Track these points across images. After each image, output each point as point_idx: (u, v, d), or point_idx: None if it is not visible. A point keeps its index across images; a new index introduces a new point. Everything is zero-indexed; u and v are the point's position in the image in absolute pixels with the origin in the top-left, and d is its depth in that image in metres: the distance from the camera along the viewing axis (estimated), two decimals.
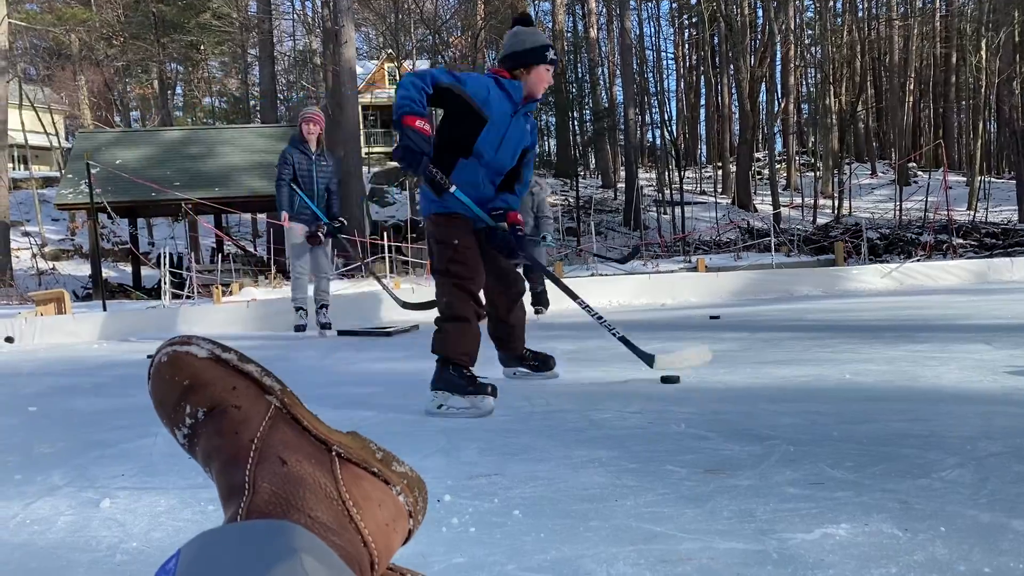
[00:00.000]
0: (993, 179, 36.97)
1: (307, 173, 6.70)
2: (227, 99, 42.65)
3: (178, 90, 42.39)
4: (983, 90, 30.28)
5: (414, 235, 19.52)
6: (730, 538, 1.42)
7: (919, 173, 34.00)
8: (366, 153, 35.55)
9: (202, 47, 36.72)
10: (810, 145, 38.68)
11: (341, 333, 6.95)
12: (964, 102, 36.29)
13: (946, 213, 19.09)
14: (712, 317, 6.68)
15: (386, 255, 14.08)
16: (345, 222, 6.92)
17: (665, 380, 3.29)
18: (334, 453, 0.76)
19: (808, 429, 2.29)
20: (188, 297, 12.95)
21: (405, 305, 7.14)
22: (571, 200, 30.95)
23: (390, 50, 33.99)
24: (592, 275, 12.49)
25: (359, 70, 28.51)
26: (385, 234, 15.51)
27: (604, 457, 2.07)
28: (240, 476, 0.73)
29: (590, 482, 1.84)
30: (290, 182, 6.64)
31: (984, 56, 29.72)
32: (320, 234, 6.72)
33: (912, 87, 35.65)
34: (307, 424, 0.78)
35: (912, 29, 34.44)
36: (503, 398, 3.02)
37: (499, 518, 1.61)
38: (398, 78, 33.30)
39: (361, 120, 29.05)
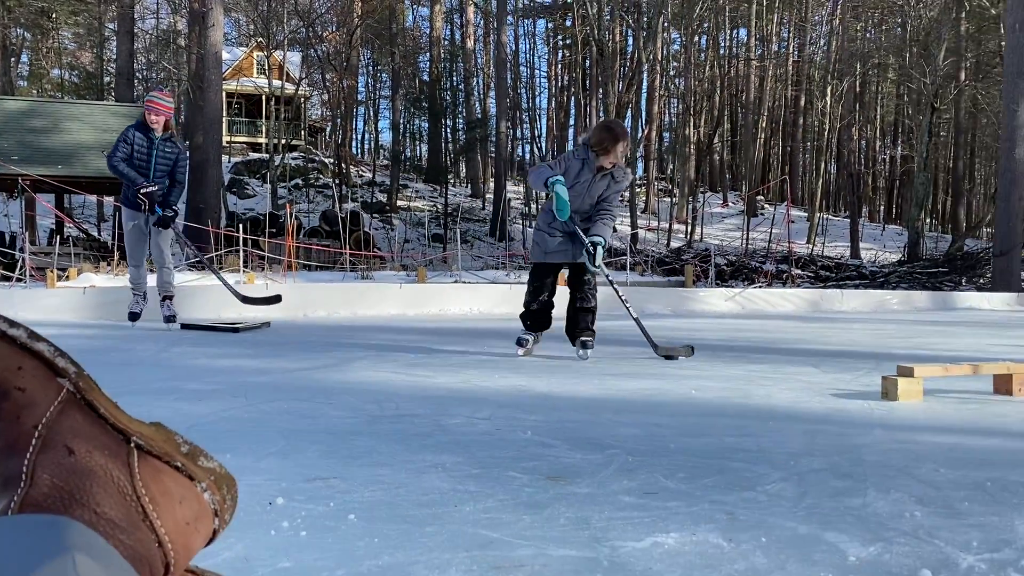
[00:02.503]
0: (831, 216, 39.89)
1: (145, 157, 6.17)
2: (79, 73, 39.94)
3: (24, 58, 39.34)
4: (826, 133, 32.64)
5: (272, 229, 18.91)
6: (564, 545, 1.43)
7: (766, 206, 36.21)
8: (228, 141, 34.18)
9: (54, 15, 34.24)
10: (669, 172, 40.38)
11: (185, 327, 6.61)
12: (809, 143, 38.96)
13: (787, 245, 20.37)
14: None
15: (241, 248, 13.55)
16: (177, 211, 6.43)
17: (667, 357, 4.49)
18: (133, 445, 0.69)
19: (648, 440, 2.36)
20: (19, 280, 11.97)
21: (245, 300, 6.84)
22: (439, 207, 30.92)
23: (260, 38, 32.89)
24: (456, 282, 12.50)
25: (226, 55, 27.41)
26: (241, 227, 14.93)
27: (448, 462, 2.04)
28: (17, 465, 0.65)
29: (431, 487, 1.81)
30: (123, 161, 6.09)
31: (829, 102, 32.05)
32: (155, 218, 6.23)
33: (764, 125, 37.94)
34: (104, 412, 0.71)
35: (767, 71, 36.69)
36: (351, 400, 2.95)
37: (333, 522, 1.55)
38: (267, 67, 32.30)
39: (225, 107, 27.91)
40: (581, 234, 4.37)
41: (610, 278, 4.91)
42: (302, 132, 37.69)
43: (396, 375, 3.81)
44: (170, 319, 6.57)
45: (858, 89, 38.67)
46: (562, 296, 4.68)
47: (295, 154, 35.04)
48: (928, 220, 35.42)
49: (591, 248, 4.32)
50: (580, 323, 4.53)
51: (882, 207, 44.92)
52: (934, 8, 30.32)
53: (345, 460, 2.08)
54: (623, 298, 4.77)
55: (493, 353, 4.84)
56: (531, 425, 2.54)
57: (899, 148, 41.40)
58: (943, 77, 27.98)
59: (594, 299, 4.57)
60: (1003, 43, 21.59)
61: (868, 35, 41.58)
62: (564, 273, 4.69)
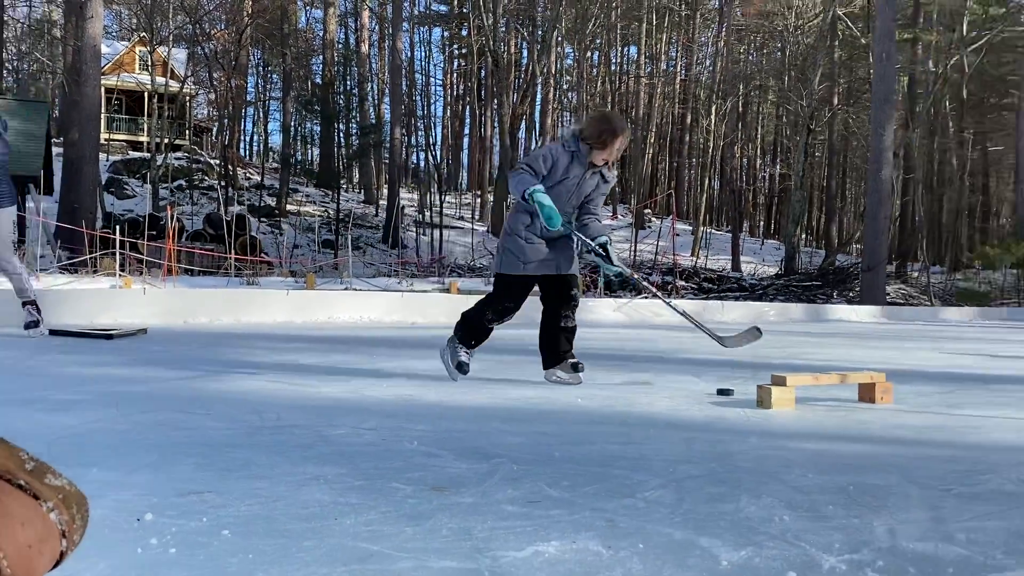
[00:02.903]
0: (714, 230, 41.44)
1: None
2: None
3: None
4: (711, 150, 33.93)
5: (153, 232, 18.10)
6: (446, 556, 1.42)
7: (653, 219, 37.26)
8: (106, 139, 32.54)
9: None
10: None
11: (54, 333, 6.23)
12: (695, 159, 40.41)
13: (673, 257, 21.03)
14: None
15: (118, 251, 12.90)
16: None
17: (721, 392, 3.63)
18: None
19: (533, 449, 2.38)
20: None
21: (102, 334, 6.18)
22: (331, 212, 30.37)
23: (143, 33, 31.52)
24: (346, 289, 12.29)
25: (105, 49, 26.09)
26: (119, 228, 14.22)
27: (330, 474, 2.00)
28: None
29: (311, 500, 1.76)
30: None
31: (713, 120, 33.34)
32: None
33: (652, 140, 39.10)
34: None
35: (656, 88, 37.86)
36: (229, 411, 2.85)
37: (205, 538, 1.49)
38: (150, 63, 30.95)
39: (104, 103, 26.58)
40: (583, 235, 3.72)
41: (636, 277, 4.28)
42: (187, 131, 36.32)
43: (279, 384, 3.70)
44: (30, 325, 6.13)
45: (741, 109, 40.40)
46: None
47: (179, 154, 33.71)
48: (803, 236, 37.33)
49: (600, 249, 3.69)
50: (565, 345, 3.91)
51: (762, 222, 47.04)
52: (811, 35, 32.04)
53: (221, 473, 2.00)
54: (667, 300, 4.31)
55: (382, 362, 4.78)
56: (418, 435, 2.52)
57: (778, 167, 43.50)
58: (818, 101, 29.58)
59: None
60: (871, 71, 23.02)
61: (750, 58, 43.55)
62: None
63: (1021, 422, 3.13)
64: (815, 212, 43.52)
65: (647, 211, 37.70)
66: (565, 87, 38.39)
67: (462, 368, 3.84)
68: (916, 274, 29.21)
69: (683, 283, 23.18)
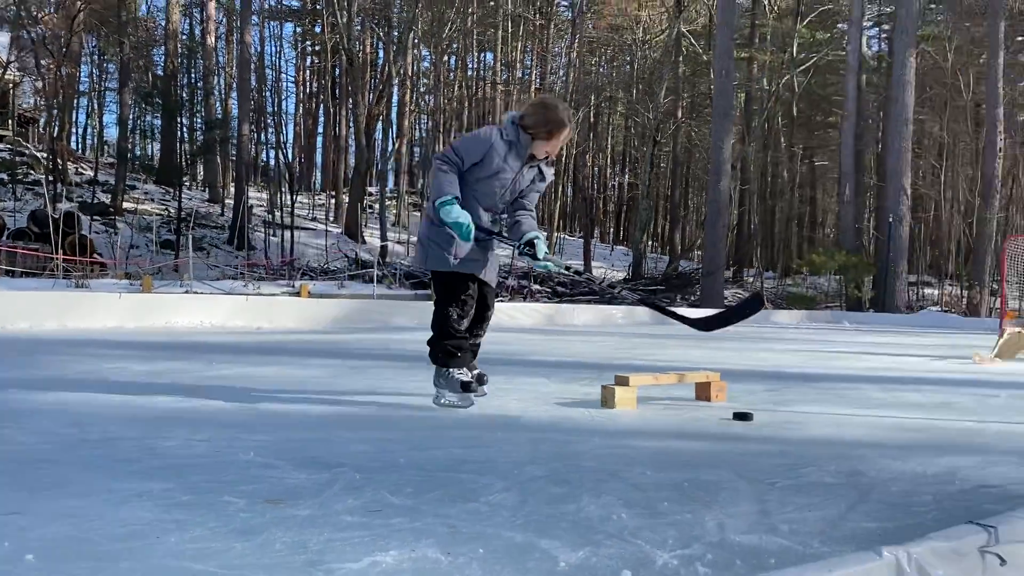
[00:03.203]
0: (567, 236, 42.46)
1: None
2: None
3: None
4: (564, 159, 34.73)
5: None
6: (277, 572, 1.35)
7: None
8: None
9: None
10: (420, 186, 40.87)
11: None
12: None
13: (529, 262, 21.33)
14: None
15: None
16: None
17: (737, 417, 3.12)
18: None
19: (378, 456, 2.32)
20: None
21: None
22: (172, 211, 28.83)
23: None
24: (187, 292, 11.68)
25: None
26: None
27: (156, 490, 1.87)
28: None
29: (132, 518, 1.64)
30: None
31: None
32: None
33: None
34: None
35: (512, 95, 38.38)
36: (46, 424, 2.62)
37: (6, 565, 1.35)
38: None
39: None
40: (507, 238, 3.40)
41: (574, 269, 3.88)
42: (10, 122, 33.47)
43: (104, 395, 3.45)
44: None
45: (592, 119, 41.63)
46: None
47: (0, 146, 31.04)
48: (650, 242, 38.88)
49: (527, 247, 3.31)
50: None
51: (612, 229, 48.65)
52: (657, 50, 33.46)
53: (31, 492, 1.83)
54: (620, 293, 3.87)
55: (222, 369, 4.56)
56: (255, 445, 2.40)
57: (626, 176, 45.14)
58: (663, 114, 30.91)
59: None
60: (712, 86, 24.32)
61: (601, 70, 44.97)
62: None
63: (839, 417, 3.36)
64: (660, 220, 45.44)
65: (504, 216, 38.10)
66: (422, 89, 38.23)
67: (469, 388, 3.25)
68: (751, 279, 31.08)
69: (538, 287, 23.60)
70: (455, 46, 37.39)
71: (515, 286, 22.07)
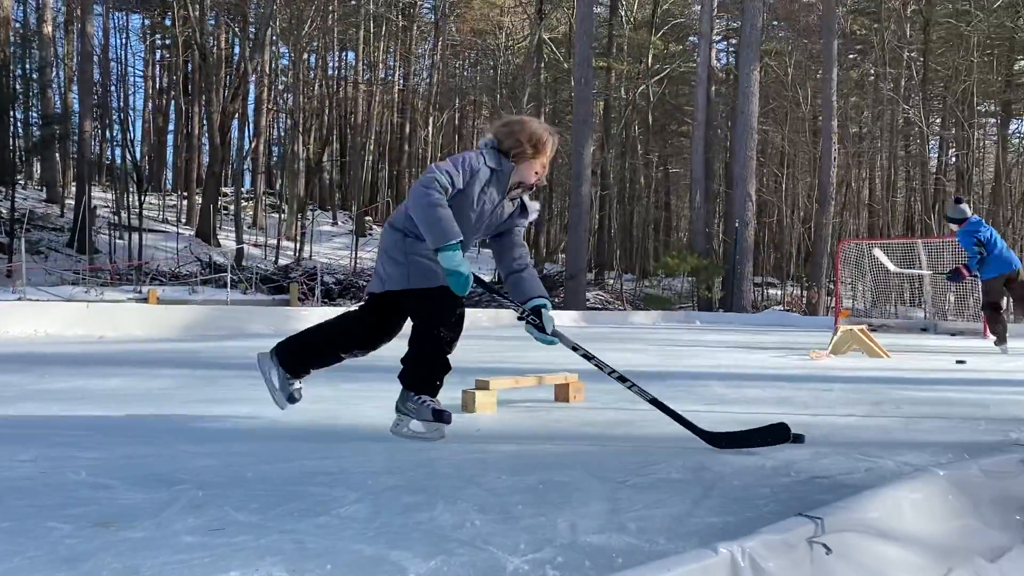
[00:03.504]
0: None
1: None
2: None
3: None
4: (429, 161, 34.66)
5: None
6: None
7: (374, 226, 37.27)
8: None
9: None
10: (278, 187, 39.69)
11: None
12: (414, 168, 41.03)
13: None
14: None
15: None
16: None
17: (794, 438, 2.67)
18: None
19: (224, 471, 2.22)
20: None
21: None
22: (4, 211, 26.66)
23: None
24: (20, 299, 10.84)
25: None
26: None
27: None
28: None
29: None
30: None
31: (431, 132, 34.13)
32: None
33: (372, 147, 39.13)
34: None
35: (374, 96, 37.93)
36: None
37: None
38: None
39: None
40: (509, 300, 3.02)
41: (582, 350, 2.98)
42: None
43: None
44: None
45: (457, 122, 41.78)
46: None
47: None
48: None
49: (535, 315, 2.91)
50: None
51: None
52: (520, 56, 33.97)
53: None
54: (632, 388, 2.93)
55: (56, 381, 4.25)
56: (88, 464, 2.24)
57: None
58: None
59: None
60: (572, 94, 24.90)
61: (465, 73, 45.19)
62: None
63: (689, 413, 3.50)
64: None
65: (368, 218, 37.63)
66: (281, 87, 37.12)
67: (442, 417, 2.79)
68: (612, 281, 32.04)
69: None
70: (315, 44, 36.53)
71: None
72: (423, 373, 2.83)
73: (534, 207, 3.03)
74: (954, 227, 8.63)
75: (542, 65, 31.81)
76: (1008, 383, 5.10)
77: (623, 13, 33.02)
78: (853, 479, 2.20)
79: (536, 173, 2.93)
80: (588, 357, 2.89)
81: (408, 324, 2.97)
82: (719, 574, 1.22)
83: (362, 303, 3.11)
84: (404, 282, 2.81)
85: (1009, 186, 28.36)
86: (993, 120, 31.76)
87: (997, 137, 30.24)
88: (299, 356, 3.01)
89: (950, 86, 27.85)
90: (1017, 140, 31.84)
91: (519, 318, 2.96)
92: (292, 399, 2.96)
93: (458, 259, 2.65)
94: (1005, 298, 8.71)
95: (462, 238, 2.69)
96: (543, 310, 2.91)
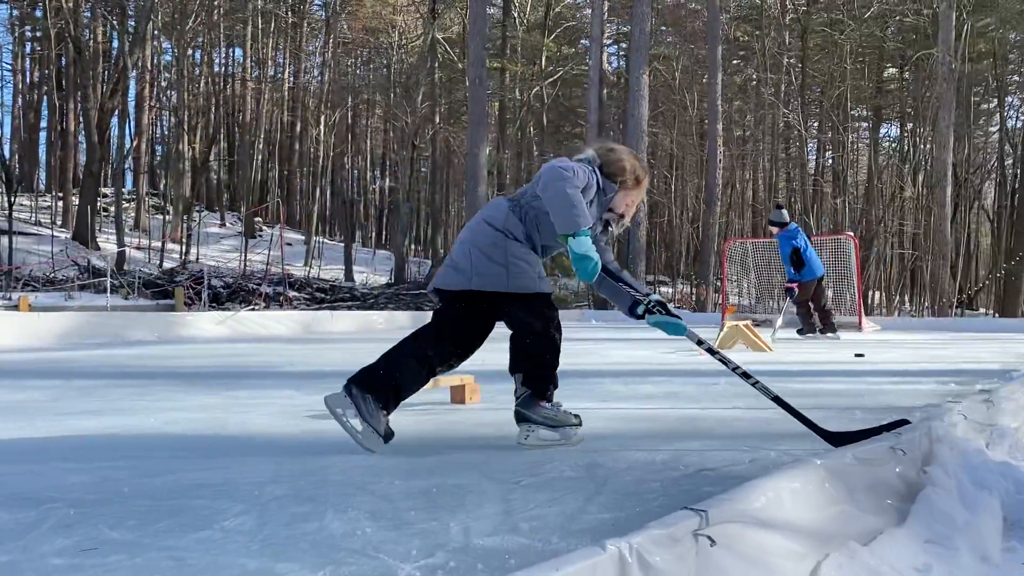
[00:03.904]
0: (327, 240, 41.58)
1: None
2: None
3: None
4: (321, 160, 34.00)
5: None
6: None
7: (264, 227, 36.27)
8: None
9: None
10: (162, 188, 38.09)
11: None
12: (305, 168, 40.16)
13: (283, 268, 20.65)
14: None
15: None
16: None
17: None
18: None
19: (99, 487, 2.10)
20: None
21: None
22: None
23: None
24: None
25: None
26: None
27: None
28: None
29: None
30: None
31: (323, 131, 33.47)
32: None
33: (261, 146, 38.07)
34: None
35: (263, 93, 36.93)
36: None
37: None
38: None
39: None
40: (625, 282, 2.91)
41: (705, 344, 2.92)
42: None
43: None
44: None
45: (350, 121, 41.11)
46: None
47: None
48: (412, 246, 39.09)
49: (660, 306, 2.85)
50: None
51: (373, 233, 48.31)
52: (414, 55, 33.72)
53: None
54: (756, 385, 2.75)
55: None
56: None
57: (387, 179, 45.02)
58: (422, 118, 31.20)
59: None
60: (467, 94, 24.91)
61: (358, 72, 44.54)
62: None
63: (583, 411, 3.53)
64: (422, 224, 45.86)
65: (257, 219, 36.58)
66: (164, 84, 35.61)
67: (566, 421, 2.76)
68: None
69: (295, 293, 22.85)
70: (200, 39, 35.25)
71: (269, 293, 21.26)
72: (546, 375, 2.76)
73: (614, 228, 3.02)
74: (775, 230, 10.09)
75: (436, 65, 31.67)
76: (882, 373, 5.40)
77: (516, 14, 33.26)
78: (738, 470, 2.27)
79: (626, 205, 2.94)
80: (712, 352, 2.84)
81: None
82: (607, 571, 1.23)
83: (436, 307, 2.94)
84: (503, 284, 2.70)
85: (880, 186, 30.07)
86: (865, 124, 33.67)
87: (869, 140, 32.06)
88: (386, 381, 2.65)
89: (826, 91, 29.29)
90: (887, 143, 33.86)
91: (636, 310, 2.87)
92: (389, 435, 2.61)
93: (589, 244, 2.58)
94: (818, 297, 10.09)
95: (592, 223, 2.66)
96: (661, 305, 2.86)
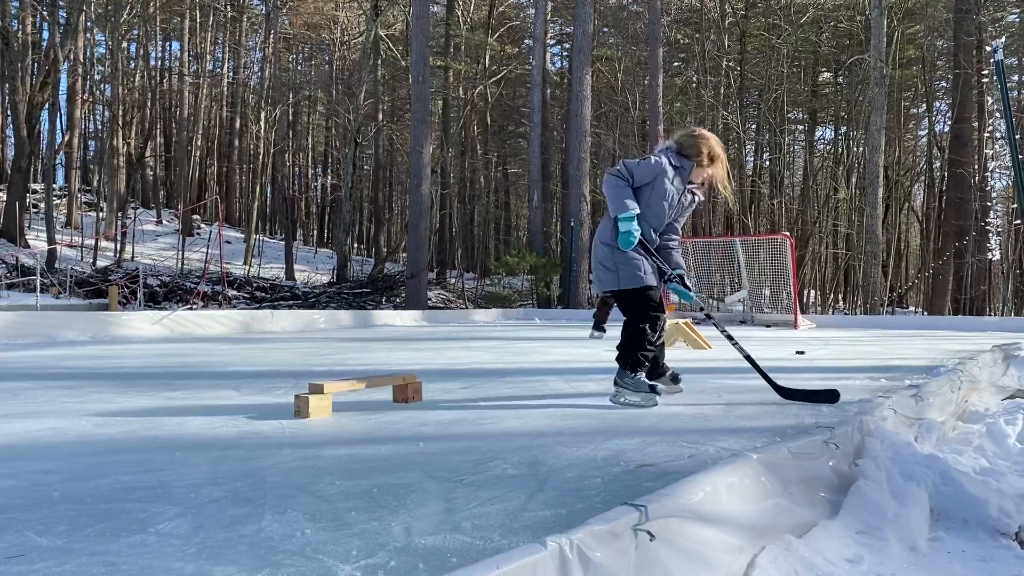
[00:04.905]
0: (267, 238, 40.90)
1: None
2: None
3: None
4: (261, 157, 33.40)
5: None
6: None
7: (203, 225, 35.51)
8: None
9: None
10: (95, 184, 36.98)
11: None
12: (245, 165, 39.42)
13: (222, 266, 20.24)
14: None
15: None
16: None
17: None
18: None
19: (26, 492, 2.03)
20: None
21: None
22: None
23: None
24: None
25: None
26: None
27: None
28: None
29: None
30: None
31: (263, 127, 32.89)
32: None
33: (200, 143, 37.26)
34: None
35: (201, 89, 36.14)
36: None
37: None
38: None
39: None
40: (664, 262, 3.83)
41: (720, 326, 4.12)
42: None
43: None
44: None
45: (291, 117, 40.49)
46: None
47: None
48: (355, 245, 38.70)
49: (679, 279, 3.83)
50: (663, 359, 4.15)
51: (315, 231, 47.67)
52: (356, 52, 33.36)
53: None
54: (734, 342, 3.98)
55: None
56: None
57: (329, 177, 44.48)
58: (364, 116, 30.89)
59: None
60: (411, 92, 24.74)
61: (299, 68, 43.91)
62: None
63: (526, 410, 3.56)
64: (365, 222, 45.40)
65: (195, 217, 35.78)
66: (98, 77, 34.56)
67: (655, 388, 3.71)
68: (453, 280, 32.15)
69: (234, 292, 22.42)
70: (135, 32, 34.32)
71: (208, 292, 20.82)
72: (632, 356, 3.67)
73: (700, 193, 3.90)
74: None
75: (379, 62, 31.42)
76: (817, 369, 5.54)
77: (459, 13, 33.18)
78: (677, 465, 2.30)
79: (703, 178, 3.82)
80: (730, 338, 3.91)
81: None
82: (548, 567, 1.24)
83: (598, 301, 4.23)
84: (615, 284, 3.72)
85: (815, 187, 30.84)
86: (802, 127, 34.45)
87: (805, 143, 32.83)
88: (637, 359, 3.67)
89: (764, 94, 29.90)
90: (822, 145, 34.71)
91: (665, 280, 3.83)
92: (655, 389, 3.69)
93: (632, 224, 3.61)
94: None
95: (638, 211, 3.64)
96: (684, 276, 3.86)
